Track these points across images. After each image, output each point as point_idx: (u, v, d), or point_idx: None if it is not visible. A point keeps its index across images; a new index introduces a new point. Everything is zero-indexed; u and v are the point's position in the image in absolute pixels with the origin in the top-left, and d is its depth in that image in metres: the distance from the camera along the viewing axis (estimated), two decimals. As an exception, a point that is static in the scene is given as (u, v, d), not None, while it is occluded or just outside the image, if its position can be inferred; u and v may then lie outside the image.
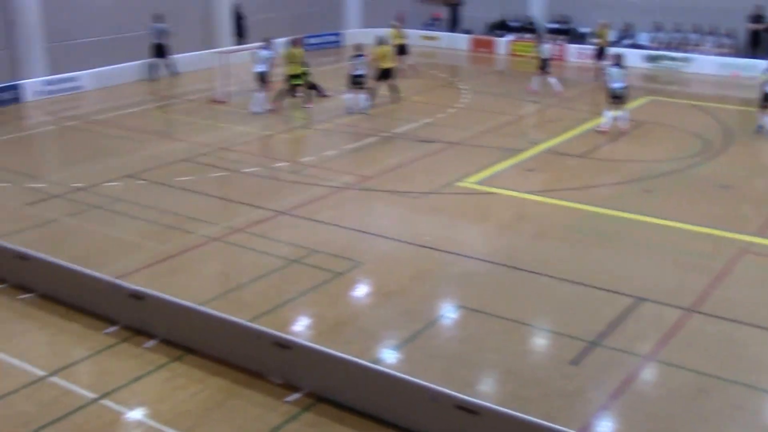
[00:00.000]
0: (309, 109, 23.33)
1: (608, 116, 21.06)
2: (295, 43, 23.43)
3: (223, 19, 31.83)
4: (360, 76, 22.89)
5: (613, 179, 17.66)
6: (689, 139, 20.90)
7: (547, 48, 25.82)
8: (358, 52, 23.11)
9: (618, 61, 21.18)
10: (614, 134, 20.88)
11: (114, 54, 27.84)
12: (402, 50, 27.71)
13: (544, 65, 25.55)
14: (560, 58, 31.52)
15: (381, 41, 23.96)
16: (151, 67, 28.11)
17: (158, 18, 27.86)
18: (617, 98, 20.97)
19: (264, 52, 22.91)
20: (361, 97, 23.20)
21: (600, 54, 28.04)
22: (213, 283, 12.73)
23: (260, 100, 22.91)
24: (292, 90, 23.25)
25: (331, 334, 11.04)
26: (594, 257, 13.73)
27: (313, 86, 24.30)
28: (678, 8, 30.66)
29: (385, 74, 23.82)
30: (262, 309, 11.68)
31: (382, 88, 24.02)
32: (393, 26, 28.38)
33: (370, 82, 23.51)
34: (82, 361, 10.46)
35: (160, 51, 28.11)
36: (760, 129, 21.05)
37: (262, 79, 22.82)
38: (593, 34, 29.97)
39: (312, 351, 9.60)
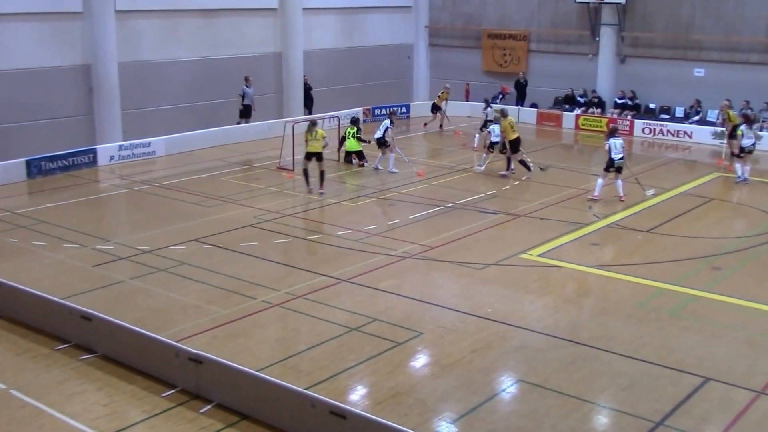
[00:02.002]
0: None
1: (599, 184, 21.33)
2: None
3: (295, 90, 32.54)
4: (497, 143, 24.60)
5: (680, 255, 17.29)
6: (758, 216, 20.45)
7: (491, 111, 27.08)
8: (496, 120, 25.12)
9: (616, 133, 21.70)
10: (672, 209, 20.58)
11: (186, 121, 28.65)
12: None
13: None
14: (629, 132, 31.39)
15: (504, 114, 24.46)
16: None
17: (247, 81, 29.14)
18: (618, 170, 21.22)
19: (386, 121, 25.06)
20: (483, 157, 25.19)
21: (732, 134, 26.72)
22: (272, 349, 12.70)
23: (392, 160, 24.67)
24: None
25: (389, 404, 10.90)
26: (660, 335, 13.37)
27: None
28: (748, 86, 30.34)
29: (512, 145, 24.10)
30: (320, 377, 11.61)
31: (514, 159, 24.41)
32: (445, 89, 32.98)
33: (511, 155, 24.31)
34: (137, 423, 10.47)
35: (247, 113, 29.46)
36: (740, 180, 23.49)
37: (381, 143, 24.85)
38: (719, 116, 29.03)
39: (368, 421, 9.46)
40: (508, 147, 24.03)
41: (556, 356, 12.53)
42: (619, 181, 21.17)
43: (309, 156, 21.99)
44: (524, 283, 15.69)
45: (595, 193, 21.33)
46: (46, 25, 25.78)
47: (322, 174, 22.05)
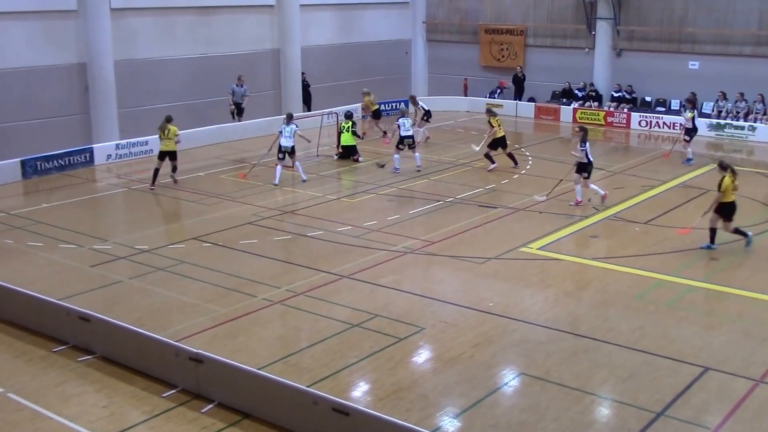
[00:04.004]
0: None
1: (593, 188, 20.48)
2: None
3: (293, 87, 32.48)
4: (410, 137, 23.97)
5: (678, 246, 17.28)
6: (754, 207, 20.43)
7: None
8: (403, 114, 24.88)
9: (586, 137, 20.54)
10: (669, 201, 20.58)
11: (183, 119, 28.50)
12: (377, 115, 29.51)
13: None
14: (625, 125, 31.43)
15: (491, 112, 24.66)
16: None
17: (239, 80, 29.16)
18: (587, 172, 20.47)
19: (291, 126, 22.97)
20: (416, 156, 24.36)
21: None
22: (273, 347, 12.68)
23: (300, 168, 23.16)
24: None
25: (391, 400, 10.88)
26: (659, 326, 13.37)
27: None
28: (741, 78, 30.39)
29: (497, 143, 24.30)
30: (322, 374, 11.60)
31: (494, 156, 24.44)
32: (364, 93, 30.01)
33: (488, 150, 24.28)
34: (138, 424, 10.44)
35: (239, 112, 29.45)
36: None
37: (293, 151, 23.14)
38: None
39: (370, 418, 9.44)
40: (488, 143, 24.30)
41: (557, 349, 12.53)
42: (587, 187, 20.48)
43: (162, 155, 22.09)
44: (524, 277, 15.68)
45: (602, 193, 20.42)
46: (40, 23, 25.72)
47: (174, 167, 22.20)
